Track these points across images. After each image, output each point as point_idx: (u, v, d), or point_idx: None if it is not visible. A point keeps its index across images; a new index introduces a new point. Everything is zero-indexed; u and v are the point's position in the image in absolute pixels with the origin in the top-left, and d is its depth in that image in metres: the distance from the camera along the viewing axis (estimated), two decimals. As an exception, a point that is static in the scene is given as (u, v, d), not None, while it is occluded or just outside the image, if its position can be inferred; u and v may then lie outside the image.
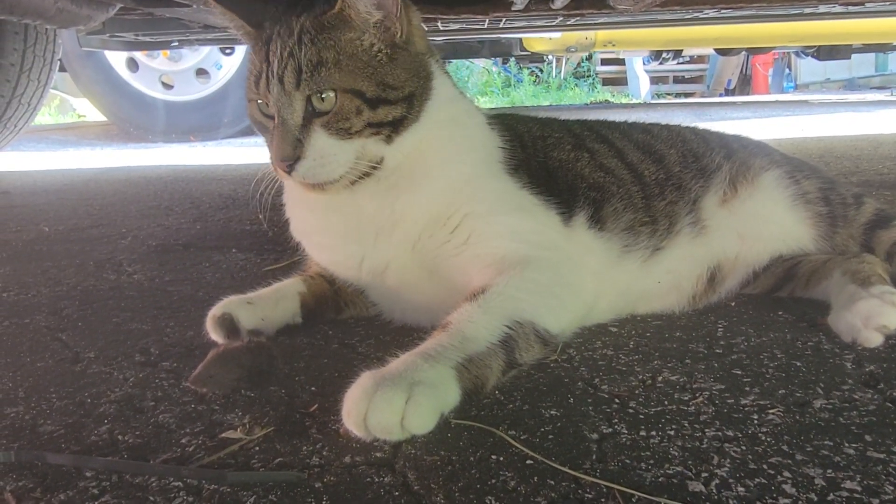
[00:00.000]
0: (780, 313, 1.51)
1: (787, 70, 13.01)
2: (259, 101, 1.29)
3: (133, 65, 6.18)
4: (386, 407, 0.95)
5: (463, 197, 1.35)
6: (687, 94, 12.84)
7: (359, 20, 1.24)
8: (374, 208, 1.34)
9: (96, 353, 1.41)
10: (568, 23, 3.22)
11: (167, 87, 6.25)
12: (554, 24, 3.28)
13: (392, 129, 1.27)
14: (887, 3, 2.61)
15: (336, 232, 1.41)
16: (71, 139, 7.19)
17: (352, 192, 1.31)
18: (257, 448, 1.01)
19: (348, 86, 1.23)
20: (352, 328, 1.50)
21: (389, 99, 1.26)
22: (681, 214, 1.53)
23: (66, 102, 11.17)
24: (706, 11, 2.68)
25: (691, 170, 1.60)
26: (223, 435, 1.05)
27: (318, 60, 1.22)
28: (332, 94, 1.22)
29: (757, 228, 1.57)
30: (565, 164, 1.51)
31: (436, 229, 1.34)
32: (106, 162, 5.28)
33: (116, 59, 6.11)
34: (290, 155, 1.22)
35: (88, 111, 10.30)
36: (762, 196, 1.59)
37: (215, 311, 1.37)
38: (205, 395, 1.18)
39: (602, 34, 6.63)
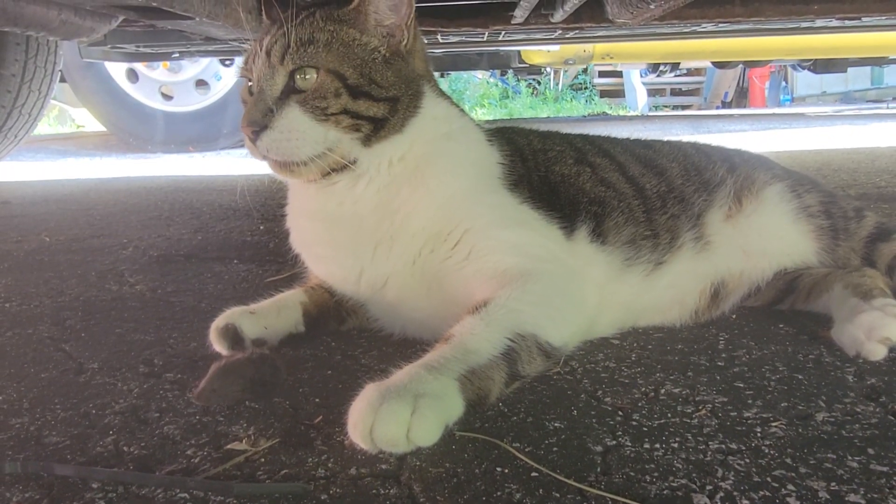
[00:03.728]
0: (780, 326, 1.51)
1: (783, 83, 13.08)
2: (250, 83, 1.31)
3: (133, 76, 6.19)
4: (392, 419, 0.95)
5: (462, 212, 1.36)
6: (684, 107, 12.92)
7: (372, 19, 1.28)
8: (375, 221, 1.35)
9: (100, 364, 1.41)
10: (567, 36, 3.24)
11: (167, 97, 6.26)
12: (553, 37, 3.31)
13: (372, 129, 1.30)
14: (883, 17, 2.63)
15: (335, 244, 1.41)
16: (70, 149, 7.20)
17: (354, 201, 1.33)
18: (262, 460, 1.01)
19: (332, 66, 1.26)
20: (354, 340, 1.50)
21: (372, 94, 1.29)
22: (683, 229, 1.53)
23: (64, 112, 11.18)
24: (704, 25, 2.70)
25: (693, 183, 1.60)
26: (228, 446, 1.05)
27: (308, 39, 1.25)
28: (314, 75, 1.25)
29: (762, 244, 1.58)
30: (567, 179, 1.52)
31: (436, 245, 1.35)
32: (105, 172, 5.28)
33: (116, 69, 6.12)
34: (258, 120, 1.23)
35: (86, 121, 10.32)
36: (767, 210, 1.59)
37: (218, 322, 1.38)
38: (209, 407, 1.19)
39: (600, 47, 6.67)
